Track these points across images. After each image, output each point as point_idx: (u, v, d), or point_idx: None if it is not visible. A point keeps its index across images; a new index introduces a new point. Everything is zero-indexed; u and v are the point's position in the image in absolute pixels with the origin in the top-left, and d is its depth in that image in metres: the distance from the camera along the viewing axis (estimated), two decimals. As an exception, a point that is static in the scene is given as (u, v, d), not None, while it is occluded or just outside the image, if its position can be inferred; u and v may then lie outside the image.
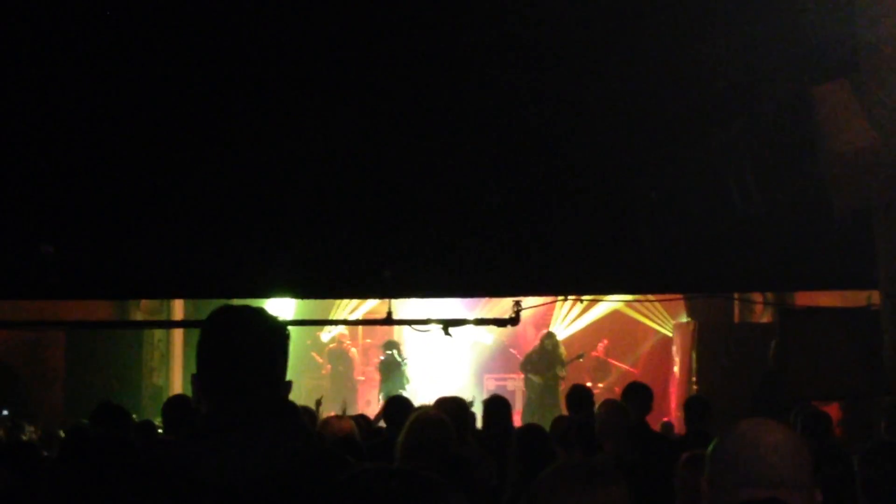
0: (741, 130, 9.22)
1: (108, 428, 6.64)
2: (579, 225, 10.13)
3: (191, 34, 9.18)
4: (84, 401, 12.62)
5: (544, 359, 17.67)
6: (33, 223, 10.00)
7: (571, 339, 20.07)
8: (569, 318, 19.72)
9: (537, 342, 18.24)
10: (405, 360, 18.10)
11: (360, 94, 9.35)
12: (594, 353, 19.66)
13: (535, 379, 17.56)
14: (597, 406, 7.69)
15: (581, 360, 18.26)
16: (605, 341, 19.77)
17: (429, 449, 5.49)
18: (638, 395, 8.83)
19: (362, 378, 20.05)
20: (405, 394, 14.58)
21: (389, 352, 18.19)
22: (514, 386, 19.23)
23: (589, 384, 14.69)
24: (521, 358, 18.87)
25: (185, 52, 9.25)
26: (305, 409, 8.46)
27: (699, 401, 9.55)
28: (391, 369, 18.00)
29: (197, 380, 2.91)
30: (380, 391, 18.09)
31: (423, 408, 6.72)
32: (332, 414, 8.54)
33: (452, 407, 7.27)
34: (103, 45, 9.09)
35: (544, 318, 20.12)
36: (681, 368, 17.15)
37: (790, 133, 9.04)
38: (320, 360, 19.73)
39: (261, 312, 2.95)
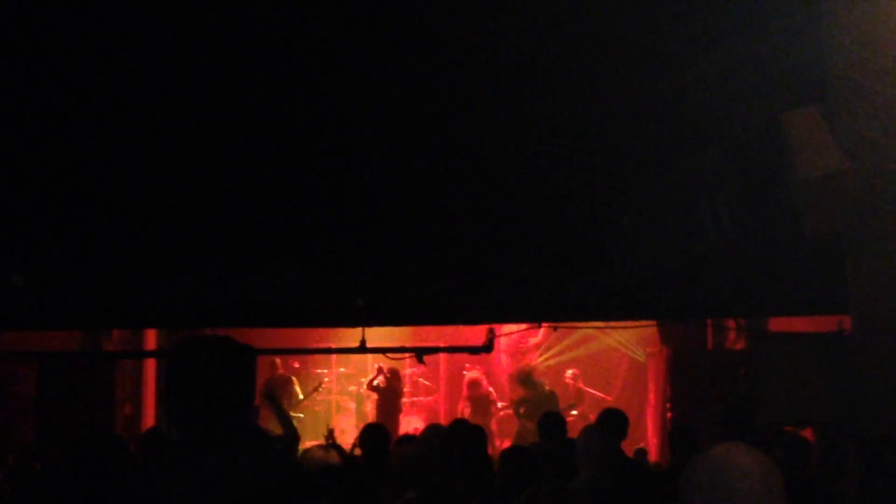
0: (713, 157, 9.26)
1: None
2: (553, 252, 10.14)
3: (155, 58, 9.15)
4: (55, 432, 12.53)
5: (542, 403, 17.07)
6: (3, 253, 9.94)
7: (546, 369, 20.06)
8: (544, 347, 19.71)
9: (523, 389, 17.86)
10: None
11: (330, 121, 9.34)
12: (567, 380, 19.63)
13: (529, 426, 17.18)
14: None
15: (572, 409, 17.98)
16: (575, 370, 19.71)
17: (412, 479, 5.54)
18: (613, 421, 8.84)
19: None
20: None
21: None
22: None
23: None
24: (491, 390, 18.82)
25: (152, 77, 9.22)
26: (290, 435, 8.45)
27: (685, 429, 9.56)
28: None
29: (167, 408, 2.95)
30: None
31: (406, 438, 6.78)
32: (316, 443, 8.53)
33: (439, 435, 7.30)
34: (69, 69, 9.04)
35: (518, 346, 20.12)
36: (656, 395, 17.18)
37: (761, 159, 9.08)
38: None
39: (227, 340, 2.98)
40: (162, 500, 2.68)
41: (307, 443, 14.51)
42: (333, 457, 7.02)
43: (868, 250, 7.97)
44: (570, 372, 19.60)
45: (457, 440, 7.54)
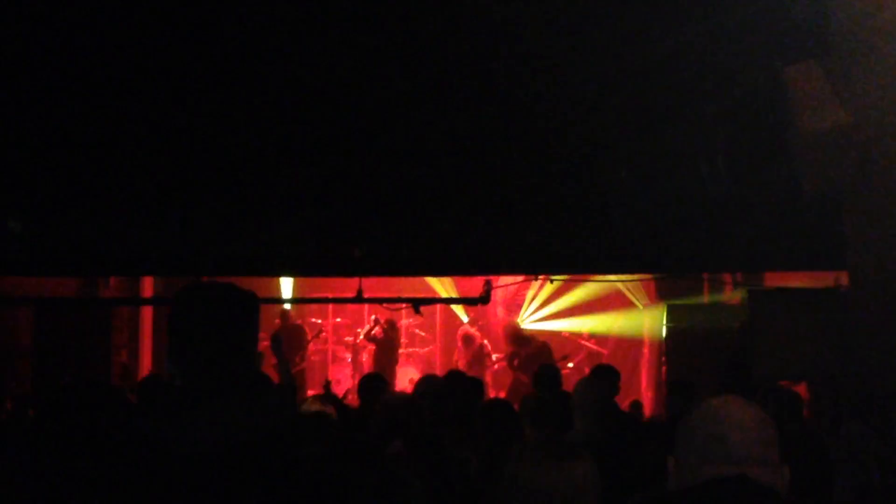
0: (713, 112, 9.23)
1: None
2: (550, 205, 10.13)
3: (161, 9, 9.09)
4: (52, 378, 12.57)
5: (535, 356, 17.10)
6: (0, 200, 9.91)
7: (541, 321, 20.09)
8: (538, 300, 19.70)
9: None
10: None
11: (330, 69, 9.29)
12: (565, 334, 19.65)
13: (523, 378, 17.18)
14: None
15: (566, 360, 18.00)
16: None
17: (398, 428, 5.56)
18: (606, 376, 8.87)
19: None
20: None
21: None
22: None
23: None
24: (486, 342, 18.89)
25: (154, 23, 9.15)
26: (287, 385, 8.48)
27: (680, 383, 9.58)
28: None
29: (169, 355, 2.94)
30: None
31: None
32: (311, 393, 8.56)
33: (432, 386, 7.32)
34: (71, 16, 8.98)
35: (514, 299, 20.13)
36: (650, 349, 17.23)
37: (762, 115, 9.05)
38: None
39: (230, 288, 2.98)
40: (162, 445, 2.69)
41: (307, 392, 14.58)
42: (329, 408, 7.04)
43: (866, 206, 7.97)
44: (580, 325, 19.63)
45: (451, 391, 7.55)
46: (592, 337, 19.65)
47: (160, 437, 2.70)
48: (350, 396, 13.73)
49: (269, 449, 2.69)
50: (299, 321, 18.79)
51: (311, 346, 18.83)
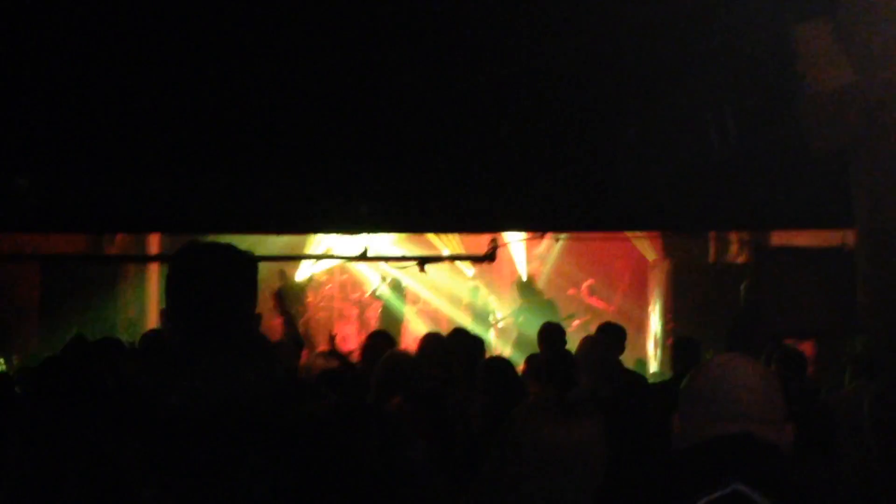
0: (721, 69, 9.18)
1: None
2: (557, 161, 10.10)
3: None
4: (58, 334, 12.60)
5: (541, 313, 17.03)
6: (7, 156, 9.90)
7: (550, 278, 20.11)
8: (551, 255, 19.71)
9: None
10: None
11: (331, 19, 9.22)
12: (570, 292, 19.67)
13: (529, 335, 17.08)
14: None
15: (572, 319, 18.01)
16: (591, 280, 19.73)
17: (399, 385, 5.58)
18: (612, 333, 8.89)
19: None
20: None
21: None
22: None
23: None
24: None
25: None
26: (288, 344, 8.51)
27: (686, 340, 9.60)
28: None
29: (167, 313, 2.94)
30: None
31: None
32: (320, 349, 8.59)
33: (436, 344, 7.35)
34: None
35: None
36: (657, 307, 17.25)
37: (769, 74, 9.01)
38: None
39: (229, 247, 2.97)
40: (157, 401, 2.69)
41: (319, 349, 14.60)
42: (334, 364, 7.07)
43: (874, 165, 7.94)
44: (586, 283, 19.64)
45: (455, 349, 7.58)
46: (595, 294, 19.70)
47: (155, 393, 2.71)
48: (356, 354, 13.77)
49: (264, 408, 2.69)
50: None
51: (314, 304, 18.92)
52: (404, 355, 6.31)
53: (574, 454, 2.98)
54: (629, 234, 17.33)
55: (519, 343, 16.30)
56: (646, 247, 18.10)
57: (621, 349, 8.70)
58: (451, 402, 6.25)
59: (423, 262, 12.50)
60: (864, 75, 7.72)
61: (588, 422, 3.07)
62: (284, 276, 17.87)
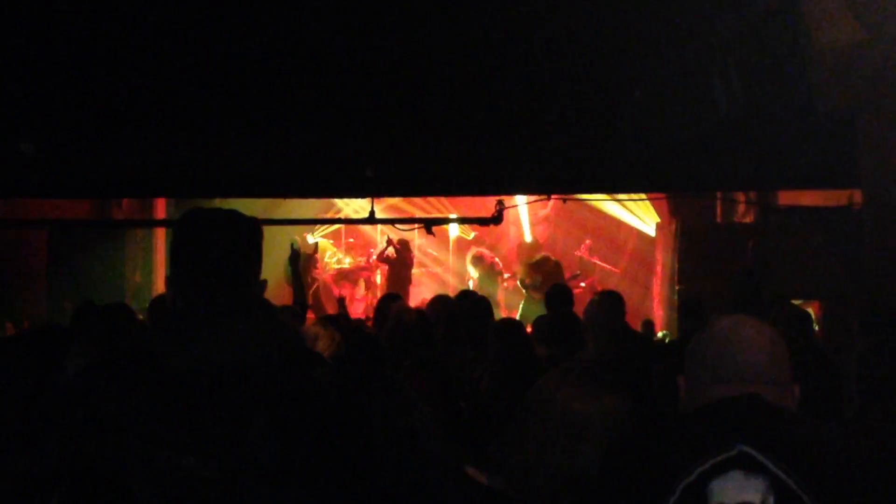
0: (727, 28, 9.13)
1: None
2: (562, 123, 10.07)
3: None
4: (65, 299, 12.64)
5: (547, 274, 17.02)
6: (13, 121, 9.89)
7: (554, 239, 20.12)
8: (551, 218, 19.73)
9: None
10: None
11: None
12: (577, 253, 19.66)
13: (535, 296, 17.09)
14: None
15: (578, 279, 18.00)
16: (589, 241, 19.73)
17: (406, 346, 5.59)
18: (611, 302, 8.86)
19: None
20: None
21: None
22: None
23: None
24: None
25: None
26: (291, 308, 8.51)
27: (692, 302, 9.57)
28: None
29: (171, 279, 2.94)
30: None
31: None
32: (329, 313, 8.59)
33: (443, 306, 7.34)
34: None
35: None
36: (663, 268, 17.24)
37: (775, 32, 8.96)
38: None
39: (233, 212, 2.97)
40: (159, 361, 2.70)
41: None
42: (329, 330, 7.05)
43: (880, 124, 7.91)
44: (585, 243, 19.63)
45: (462, 311, 7.57)
46: (595, 254, 19.69)
47: (161, 357, 2.72)
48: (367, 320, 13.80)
49: (271, 371, 2.70)
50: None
51: (321, 268, 18.94)
52: (412, 318, 6.29)
53: (603, 428, 2.93)
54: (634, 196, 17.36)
55: (525, 304, 16.35)
56: (645, 214, 18.19)
57: (622, 315, 8.68)
58: (458, 365, 6.26)
59: (429, 224, 12.51)
60: (872, 33, 7.68)
61: (614, 397, 3.01)
62: (296, 242, 17.89)
